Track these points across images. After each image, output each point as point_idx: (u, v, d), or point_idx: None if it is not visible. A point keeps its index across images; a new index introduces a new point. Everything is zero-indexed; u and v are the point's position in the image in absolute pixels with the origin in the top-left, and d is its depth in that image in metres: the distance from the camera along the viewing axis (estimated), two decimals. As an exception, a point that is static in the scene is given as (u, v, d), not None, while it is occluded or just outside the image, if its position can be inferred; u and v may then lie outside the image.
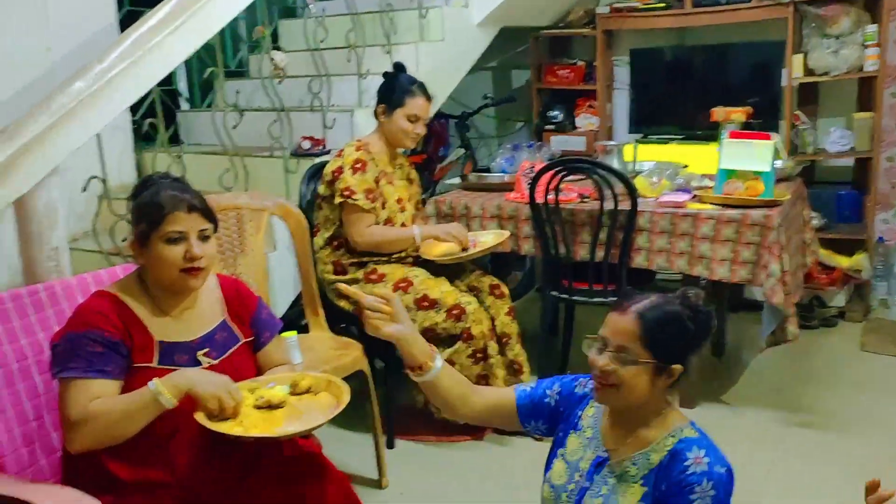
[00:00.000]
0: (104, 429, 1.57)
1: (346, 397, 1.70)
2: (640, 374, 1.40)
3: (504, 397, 1.63)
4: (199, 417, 1.61)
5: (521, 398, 1.61)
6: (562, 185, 2.96)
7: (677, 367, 1.42)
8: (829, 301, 3.95)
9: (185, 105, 4.04)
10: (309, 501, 1.73)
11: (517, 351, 2.93)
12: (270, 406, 1.70)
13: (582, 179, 3.09)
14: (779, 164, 3.22)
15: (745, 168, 2.86)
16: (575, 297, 3.11)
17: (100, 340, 1.63)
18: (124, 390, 1.64)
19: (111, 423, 1.57)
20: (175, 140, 3.68)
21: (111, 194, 2.45)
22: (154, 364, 1.69)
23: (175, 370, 1.66)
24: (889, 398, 3.08)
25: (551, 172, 2.93)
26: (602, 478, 1.47)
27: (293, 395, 1.75)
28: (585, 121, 4.50)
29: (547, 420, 1.61)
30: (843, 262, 3.92)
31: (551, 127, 4.54)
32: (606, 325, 1.44)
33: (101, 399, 1.59)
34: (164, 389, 1.59)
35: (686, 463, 1.38)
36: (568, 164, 2.94)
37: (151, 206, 1.69)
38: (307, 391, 1.77)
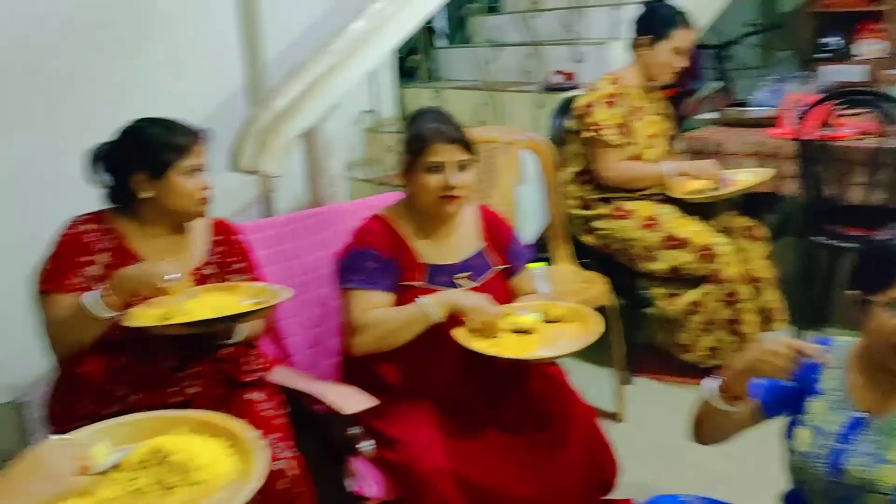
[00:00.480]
0: (380, 336, 1.76)
1: (599, 328, 1.74)
2: None
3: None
4: (457, 335, 1.74)
5: (762, 395, 1.50)
6: (836, 120, 2.69)
7: None
8: None
9: (442, 41, 4.21)
10: (555, 424, 1.81)
11: (771, 297, 2.77)
12: (523, 331, 1.79)
13: (862, 113, 2.77)
14: None
15: None
16: (844, 244, 2.84)
17: (375, 258, 1.81)
18: (394, 305, 1.82)
19: (386, 331, 1.76)
20: (432, 76, 3.86)
21: (379, 127, 2.65)
22: (421, 283, 1.84)
23: (440, 290, 1.80)
24: None
25: (826, 105, 2.67)
26: (863, 438, 1.37)
27: (545, 323, 1.82)
28: (867, 47, 4.00)
29: (791, 404, 1.51)
30: None
31: (824, 55, 4.09)
32: None
33: (378, 309, 1.77)
34: (433, 305, 1.73)
35: None
36: (847, 96, 2.66)
37: (416, 137, 1.82)
38: (558, 320, 1.83)
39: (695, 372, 2.74)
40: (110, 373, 1.63)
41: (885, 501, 1.31)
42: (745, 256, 2.75)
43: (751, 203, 3.48)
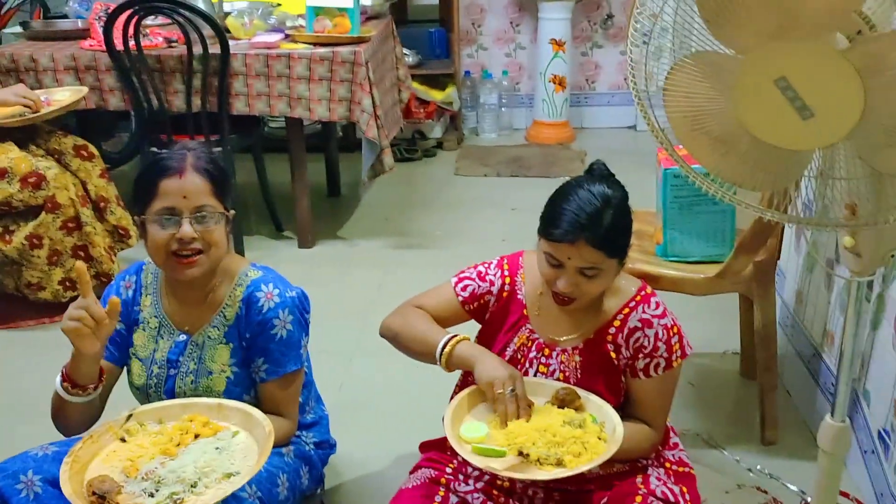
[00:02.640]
0: None
1: None
2: (221, 228, 1.37)
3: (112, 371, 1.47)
4: None
5: (113, 360, 1.47)
6: (146, 30, 2.70)
7: (232, 211, 1.42)
8: (429, 133, 4.32)
9: None
10: None
11: (120, 215, 2.72)
12: None
13: (169, 24, 2.85)
14: (367, 2, 3.31)
15: (330, 5, 2.88)
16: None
17: None
18: None
19: None
20: None
21: None
22: None
23: None
24: (474, 213, 3.54)
25: (126, 14, 2.64)
26: (187, 357, 1.44)
27: None
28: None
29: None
30: (436, 95, 4.29)
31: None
32: (168, 195, 1.32)
33: None
34: None
35: (260, 304, 1.41)
36: (144, 5, 2.67)
37: None
38: None
39: (54, 310, 2.56)
40: None
41: None
42: (82, 178, 2.62)
43: (88, 123, 3.33)
